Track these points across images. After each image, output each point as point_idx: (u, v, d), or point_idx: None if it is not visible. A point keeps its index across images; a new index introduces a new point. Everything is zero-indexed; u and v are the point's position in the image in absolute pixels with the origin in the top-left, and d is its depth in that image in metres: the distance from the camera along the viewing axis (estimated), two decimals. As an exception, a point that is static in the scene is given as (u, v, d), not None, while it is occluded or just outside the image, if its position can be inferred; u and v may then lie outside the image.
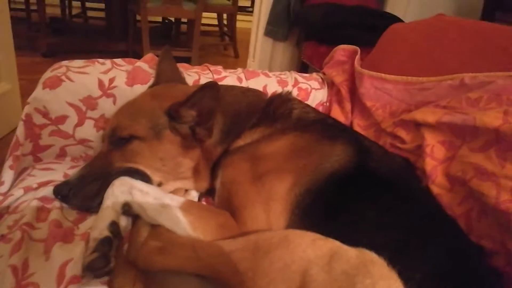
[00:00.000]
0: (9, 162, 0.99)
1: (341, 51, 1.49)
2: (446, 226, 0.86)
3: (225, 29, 5.29)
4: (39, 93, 1.06)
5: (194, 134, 0.99)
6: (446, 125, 0.99)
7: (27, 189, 0.93)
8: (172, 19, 5.18)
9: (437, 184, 0.97)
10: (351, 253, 0.63)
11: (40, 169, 1.04)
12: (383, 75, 1.25)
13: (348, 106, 1.39)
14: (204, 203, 1.06)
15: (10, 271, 0.70)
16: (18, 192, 0.92)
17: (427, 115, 1.03)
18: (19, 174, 1.03)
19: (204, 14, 3.66)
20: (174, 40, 4.95)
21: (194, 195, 1.05)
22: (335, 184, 0.88)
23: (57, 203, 0.90)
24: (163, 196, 0.86)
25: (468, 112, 0.94)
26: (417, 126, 1.09)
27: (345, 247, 0.64)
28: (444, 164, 0.98)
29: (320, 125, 1.05)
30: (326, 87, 1.51)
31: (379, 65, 1.34)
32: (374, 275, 0.58)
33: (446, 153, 0.99)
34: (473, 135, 0.92)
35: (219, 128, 1.04)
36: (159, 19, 5.36)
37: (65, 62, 1.15)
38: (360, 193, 0.88)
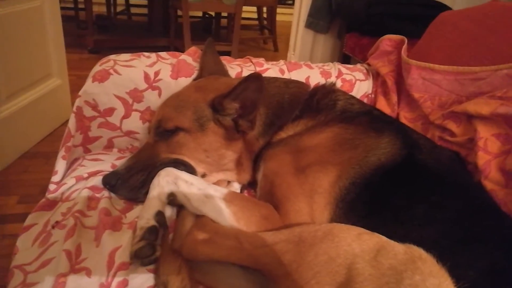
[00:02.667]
0: (61, 152, 1.04)
1: (387, 41, 1.44)
2: (500, 222, 0.81)
3: (265, 22, 5.28)
4: (89, 86, 1.10)
5: (237, 126, 0.99)
6: (502, 117, 0.93)
7: (78, 178, 0.97)
8: (212, 13, 5.23)
9: (491, 179, 0.92)
10: (398, 248, 0.61)
11: (89, 160, 1.08)
12: (432, 65, 1.20)
13: (394, 97, 1.34)
14: (246, 195, 1.07)
15: (65, 255, 0.73)
16: (70, 181, 0.96)
17: (481, 107, 0.98)
18: (71, 164, 1.08)
19: (244, 7, 3.66)
20: (214, 35, 5.00)
21: (236, 187, 1.06)
22: (382, 177, 0.86)
23: (106, 192, 0.94)
24: (207, 187, 0.87)
25: (528, 103, 0.89)
26: (469, 118, 1.04)
27: (392, 242, 0.62)
28: (499, 158, 0.93)
29: (366, 117, 1.02)
30: (371, 78, 1.46)
31: (427, 55, 1.28)
32: (423, 272, 0.56)
33: (501, 147, 0.94)
34: (533, 127, 0.86)
35: (261, 120, 1.03)
36: (200, 13, 5.43)
37: (112, 56, 1.19)
38: (407, 187, 0.85)
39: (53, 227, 0.82)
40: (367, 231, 0.65)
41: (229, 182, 1.06)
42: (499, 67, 1.01)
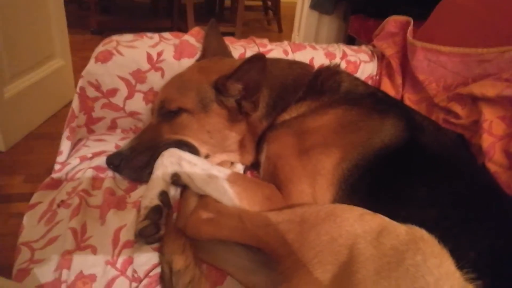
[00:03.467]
0: (66, 133, 1.04)
1: (393, 22, 1.42)
2: (503, 204, 0.81)
3: (269, 3, 5.20)
4: (92, 66, 1.10)
5: (240, 108, 0.99)
6: (507, 99, 0.92)
7: (83, 159, 0.98)
8: (216, -6, 5.16)
9: (495, 162, 0.92)
10: (400, 229, 0.61)
11: (93, 140, 1.09)
12: (437, 46, 1.18)
13: (399, 79, 1.33)
14: (249, 175, 1.07)
15: (71, 233, 0.74)
16: (74, 161, 0.97)
17: (487, 89, 0.97)
18: (75, 144, 1.09)
19: (248, -12, 3.61)
20: (218, 16, 4.94)
21: (239, 168, 1.06)
22: (385, 159, 0.86)
23: (110, 172, 0.95)
24: (210, 167, 0.88)
25: (534, 85, 0.88)
26: (474, 100, 1.03)
27: (394, 223, 0.63)
28: (504, 141, 0.92)
29: (370, 99, 1.01)
30: (376, 60, 1.45)
31: (433, 36, 1.26)
32: (425, 252, 0.56)
33: (506, 129, 0.93)
34: (539, 109, 0.85)
35: (265, 102, 1.03)
36: (203, -6, 5.36)
37: (115, 37, 1.18)
38: (410, 169, 0.85)
39: (58, 206, 0.83)
40: (370, 212, 0.66)
41: (232, 163, 1.06)
42: (506, 49, 1.00)
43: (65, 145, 1.02)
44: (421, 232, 0.59)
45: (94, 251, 0.74)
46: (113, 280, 0.70)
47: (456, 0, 1.32)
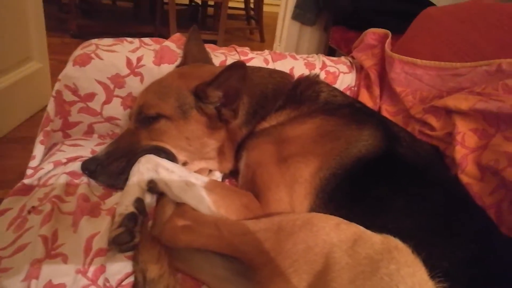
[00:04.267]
0: (40, 137, 1.01)
1: (372, 34, 1.45)
2: (475, 215, 0.84)
3: (252, 12, 5.24)
4: (70, 70, 1.08)
5: (219, 115, 0.98)
6: (479, 113, 0.95)
7: (57, 164, 0.95)
8: (199, 1, 5.16)
9: (467, 173, 0.95)
10: (375, 238, 0.62)
11: (68, 145, 1.06)
12: (414, 59, 1.22)
13: (376, 91, 1.36)
14: (227, 183, 1.07)
15: (41, 240, 0.72)
16: (48, 166, 0.94)
17: (460, 102, 1.00)
18: (49, 149, 1.06)
19: (231, -3, 3.63)
20: (200, 23, 4.95)
21: (218, 176, 1.06)
22: (362, 169, 0.87)
23: (84, 178, 0.93)
24: (188, 175, 0.87)
25: (505, 99, 0.91)
26: (448, 113, 1.06)
27: (369, 232, 0.63)
28: (476, 153, 0.95)
29: (348, 109, 1.03)
30: (355, 71, 1.47)
31: (410, 50, 1.30)
32: (399, 261, 0.57)
33: (478, 142, 0.96)
34: (509, 123, 0.88)
35: (244, 110, 1.03)
36: (186, 1, 5.35)
37: (94, 40, 1.16)
38: (386, 179, 0.86)
39: (29, 212, 0.81)
40: (345, 221, 0.66)
41: (210, 170, 1.06)
42: (479, 64, 1.03)
43: (38, 150, 0.99)
44: (395, 242, 0.60)
45: (65, 259, 0.71)
46: (83, 289, 0.68)
47: (432, 15, 1.36)
